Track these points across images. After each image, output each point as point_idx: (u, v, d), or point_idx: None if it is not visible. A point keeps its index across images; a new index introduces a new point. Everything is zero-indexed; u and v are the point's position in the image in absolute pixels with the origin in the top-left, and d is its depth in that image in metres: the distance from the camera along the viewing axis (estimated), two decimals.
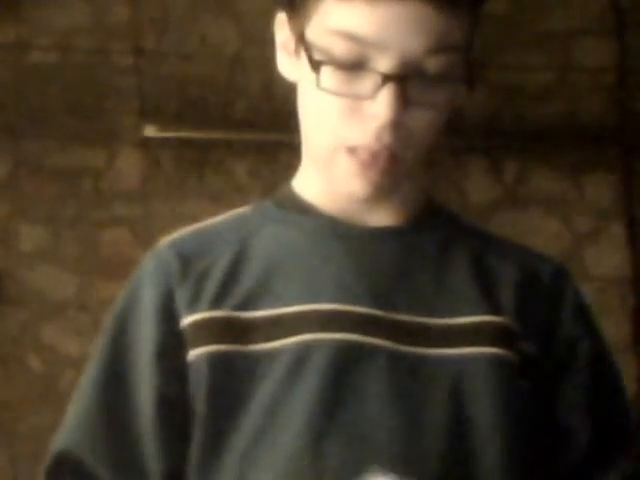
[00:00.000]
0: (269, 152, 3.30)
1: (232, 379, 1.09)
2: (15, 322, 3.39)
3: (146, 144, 3.45)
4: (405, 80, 1.04)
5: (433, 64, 1.06)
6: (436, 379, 1.08)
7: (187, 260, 1.15)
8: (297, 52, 1.11)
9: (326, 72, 1.06)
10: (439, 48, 1.05)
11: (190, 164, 3.48)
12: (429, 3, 1.03)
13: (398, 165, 1.09)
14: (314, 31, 1.08)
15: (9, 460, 3.33)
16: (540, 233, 3.50)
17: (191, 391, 1.10)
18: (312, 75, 1.07)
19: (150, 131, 3.41)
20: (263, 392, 1.09)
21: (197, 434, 1.10)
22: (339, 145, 1.08)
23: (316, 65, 1.06)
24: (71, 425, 1.15)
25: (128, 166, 3.48)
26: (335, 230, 1.13)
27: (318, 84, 1.06)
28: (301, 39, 1.09)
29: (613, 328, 3.68)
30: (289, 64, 1.14)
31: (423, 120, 1.08)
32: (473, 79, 1.10)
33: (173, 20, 3.51)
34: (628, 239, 3.65)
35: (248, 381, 1.09)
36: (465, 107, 3.58)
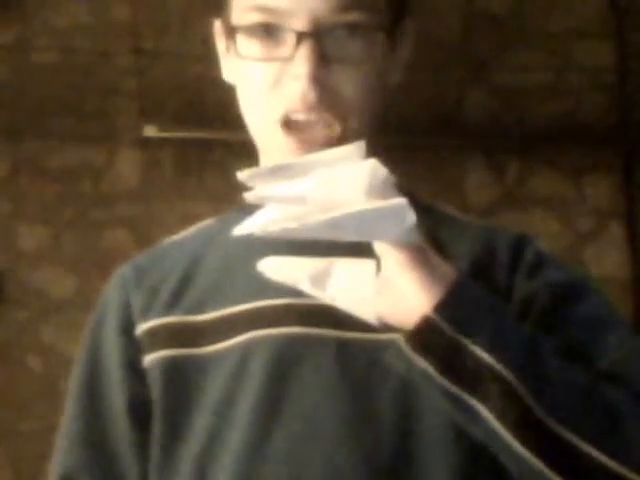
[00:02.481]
0: None
1: (183, 382, 1.12)
2: (15, 322, 3.39)
3: (146, 144, 3.45)
4: (319, 36, 1.06)
5: (345, 20, 1.08)
6: (388, 365, 1.05)
7: (142, 271, 1.20)
8: (229, 48, 1.14)
9: (245, 42, 1.10)
10: (348, 6, 1.08)
11: (190, 164, 3.48)
12: None
13: (339, 136, 1.09)
14: (235, 16, 1.12)
15: (9, 460, 3.33)
16: (540, 233, 3.50)
17: (151, 394, 1.14)
18: (239, 57, 1.10)
19: (150, 131, 3.41)
20: (213, 393, 1.11)
21: (155, 435, 1.13)
22: (272, 118, 1.10)
23: (233, 32, 1.10)
24: (62, 448, 1.19)
25: (128, 166, 3.48)
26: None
27: (242, 53, 1.09)
28: (226, 28, 1.14)
29: None
30: (228, 69, 1.17)
31: (348, 78, 1.08)
32: (391, 29, 1.11)
33: (173, 20, 3.51)
34: (628, 239, 3.65)
35: (199, 383, 1.12)
36: (465, 107, 3.58)
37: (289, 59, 1.07)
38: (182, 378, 1.12)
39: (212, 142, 3.44)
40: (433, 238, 1.13)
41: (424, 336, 0.96)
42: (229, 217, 1.22)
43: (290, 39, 1.07)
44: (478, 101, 3.61)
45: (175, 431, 1.12)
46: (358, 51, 1.08)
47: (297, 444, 1.07)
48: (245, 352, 1.10)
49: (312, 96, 1.07)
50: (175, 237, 1.25)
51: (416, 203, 1.19)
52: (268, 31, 1.08)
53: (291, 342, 1.09)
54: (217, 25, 1.19)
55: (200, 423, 1.11)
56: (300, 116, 1.08)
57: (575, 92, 3.65)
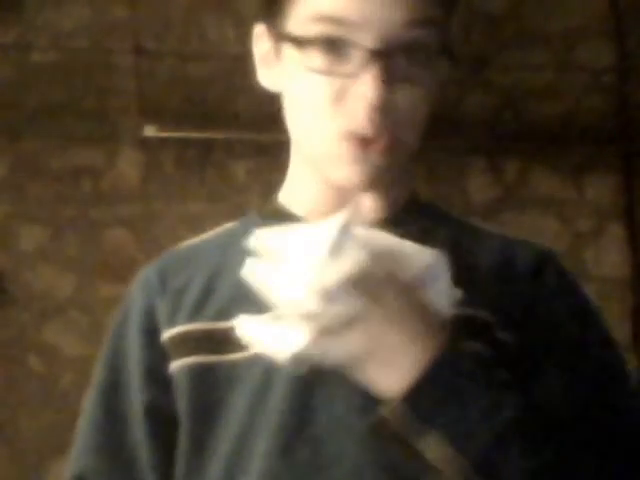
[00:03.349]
0: (269, 152, 3.30)
1: (210, 389, 1.12)
2: (15, 322, 3.39)
3: (146, 144, 3.45)
4: (389, 56, 1.05)
5: (414, 37, 1.06)
6: None
7: (166, 275, 1.19)
8: (278, 55, 1.12)
9: (312, 55, 1.07)
10: (419, 20, 1.06)
11: (190, 164, 3.48)
12: None
13: (398, 149, 1.10)
14: (295, 25, 1.09)
15: (9, 460, 3.33)
16: (540, 233, 3.50)
17: (176, 401, 1.13)
18: (298, 67, 1.08)
19: (150, 131, 3.41)
20: (240, 402, 1.10)
21: (182, 443, 1.13)
22: (333, 133, 1.08)
23: (302, 45, 1.07)
24: (79, 449, 1.19)
25: (128, 166, 3.48)
26: None
27: (305, 64, 1.06)
28: (282, 36, 1.10)
29: (613, 328, 3.67)
30: (271, 75, 1.15)
31: (411, 98, 1.08)
32: (454, 53, 1.10)
33: (173, 20, 3.51)
34: (628, 239, 3.65)
35: (225, 391, 1.11)
36: (465, 107, 3.58)
37: (355, 76, 1.05)
38: (210, 384, 1.12)
39: (212, 142, 3.44)
40: (459, 255, 1.13)
41: (380, 425, 0.99)
42: (248, 221, 1.22)
43: (357, 55, 1.05)
44: (478, 101, 3.61)
45: (203, 438, 1.11)
46: (420, 71, 1.07)
47: (322, 455, 1.07)
48: (270, 361, 1.10)
49: (378, 118, 1.06)
50: (197, 239, 1.24)
51: (440, 217, 1.19)
52: (331, 43, 1.06)
53: None
54: (260, 29, 1.16)
55: (227, 432, 1.10)
56: (364, 131, 1.07)
57: (575, 92, 3.65)
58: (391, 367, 0.99)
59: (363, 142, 1.08)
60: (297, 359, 0.98)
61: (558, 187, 3.63)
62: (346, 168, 1.09)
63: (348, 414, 1.07)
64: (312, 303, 0.96)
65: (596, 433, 1.06)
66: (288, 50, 1.10)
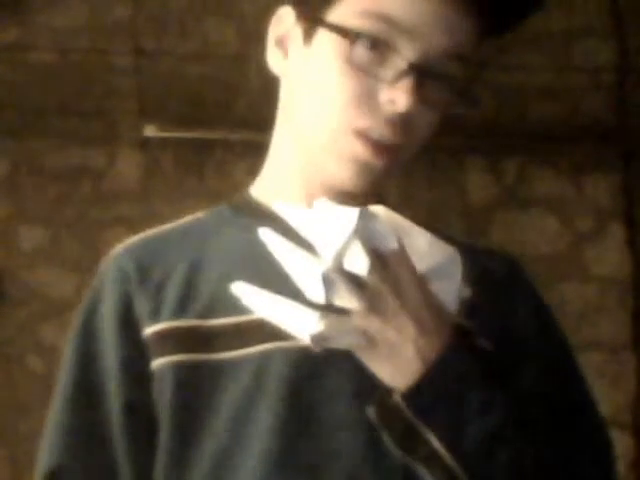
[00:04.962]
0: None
1: (196, 388, 1.10)
2: (15, 322, 3.39)
3: (146, 144, 3.45)
4: (425, 75, 1.07)
5: (448, 68, 1.09)
6: None
7: (145, 269, 1.16)
8: (308, 40, 1.11)
9: (354, 49, 1.07)
10: (458, 53, 1.09)
11: (190, 164, 3.48)
12: (463, 8, 1.07)
13: (399, 164, 1.12)
14: (340, 15, 1.09)
15: (9, 460, 3.33)
16: (540, 233, 3.50)
17: (155, 399, 1.11)
18: (334, 56, 1.08)
19: (150, 131, 3.41)
20: (226, 406, 1.09)
21: (163, 443, 1.11)
22: (347, 128, 1.09)
23: (353, 39, 1.07)
24: (51, 446, 1.16)
25: (128, 166, 3.48)
26: (290, 234, 1.07)
27: (352, 59, 1.07)
28: (320, 24, 1.10)
29: (613, 328, 3.68)
30: (285, 57, 1.15)
31: (426, 120, 1.10)
32: (476, 96, 1.12)
33: (173, 20, 3.51)
34: (628, 239, 3.65)
35: (212, 390, 1.10)
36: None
37: (392, 83, 1.06)
38: (196, 383, 1.10)
39: (212, 142, 3.44)
40: None
41: (386, 413, 1.01)
42: (219, 213, 1.22)
43: (397, 63, 1.06)
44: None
45: (188, 437, 1.09)
46: (441, 99, 1.10)
47: (319, 458, 1.06)
48: (262, 363, 1.09)
49: (401, 126, 1.08)
50: (164, 228, 1.22)
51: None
52: (377, 43, 1.07)
53: (308, 355, 1.06)
54: (286, 11, 1.15)
55: (215, 430, 1.09)
56: (380, 136, 1.08)
57: (575, 92, 3.65)
58: (398, 358, 1.01)
59: (376, 146, 1.08)
60: (315, 339, 0.99)
61: (558, 187, 3.63)
62: (345, 165, 1.10)
63: (347, 411, 1.07)
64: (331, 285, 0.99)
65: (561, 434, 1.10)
66: (324, 38, 1.10)
